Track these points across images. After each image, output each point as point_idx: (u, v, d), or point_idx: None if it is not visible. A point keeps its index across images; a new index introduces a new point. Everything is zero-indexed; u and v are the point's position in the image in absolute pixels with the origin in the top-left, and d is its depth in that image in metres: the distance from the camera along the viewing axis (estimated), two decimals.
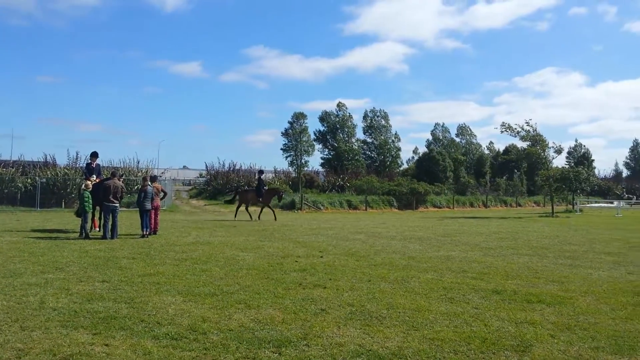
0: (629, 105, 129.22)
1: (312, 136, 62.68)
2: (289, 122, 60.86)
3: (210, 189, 39.83)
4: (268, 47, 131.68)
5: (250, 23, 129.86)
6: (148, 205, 15.16)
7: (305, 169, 51.30)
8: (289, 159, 61.15)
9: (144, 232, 14.93)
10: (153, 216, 15.56)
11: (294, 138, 58.19)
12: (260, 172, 26.44)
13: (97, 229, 15.81)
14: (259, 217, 23.36)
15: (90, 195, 14.76)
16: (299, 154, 51.33)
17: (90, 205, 14.79)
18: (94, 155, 17.00)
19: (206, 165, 44.60)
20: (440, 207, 42.44)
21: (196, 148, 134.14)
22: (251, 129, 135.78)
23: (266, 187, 24.86)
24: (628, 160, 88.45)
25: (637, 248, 14.06)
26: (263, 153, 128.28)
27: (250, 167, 43.43)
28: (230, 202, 26.01)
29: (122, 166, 35.95)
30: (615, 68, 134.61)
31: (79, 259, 10.43)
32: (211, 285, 8.06)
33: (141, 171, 34.67)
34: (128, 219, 20.25)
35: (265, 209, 24.21)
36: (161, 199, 17.07)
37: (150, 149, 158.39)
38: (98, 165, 17.58)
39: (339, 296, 7.42)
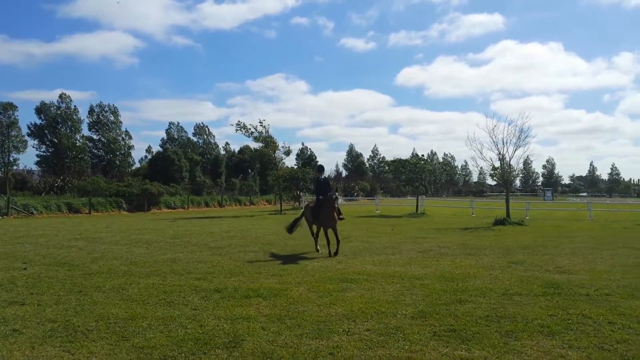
0: (345, 114, 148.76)
1: (25, 130, 54.97)
2: None
3: None
4: None
5: None
6: None
7: (15, 167, 44.39)
8: None
9: None
10: None
11: (1, 132, 49.96)
12: (320, 168, 14.15)
13: None
14: (328, 249, 12.75)
15: None
16: (6, 150, 44.06)
17: None
18: None
19: None
20: (174, 208, 41.72)
21: None
22: None
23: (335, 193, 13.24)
24: (346, 162, 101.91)
25: (347, 239, 15.95)
26: None
27: None
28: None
29: None
30: (334, 79, 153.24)
31: None
32: None
33: None
34: None
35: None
36: None
37: None
38: None
39: (39, 312, 6.43)
